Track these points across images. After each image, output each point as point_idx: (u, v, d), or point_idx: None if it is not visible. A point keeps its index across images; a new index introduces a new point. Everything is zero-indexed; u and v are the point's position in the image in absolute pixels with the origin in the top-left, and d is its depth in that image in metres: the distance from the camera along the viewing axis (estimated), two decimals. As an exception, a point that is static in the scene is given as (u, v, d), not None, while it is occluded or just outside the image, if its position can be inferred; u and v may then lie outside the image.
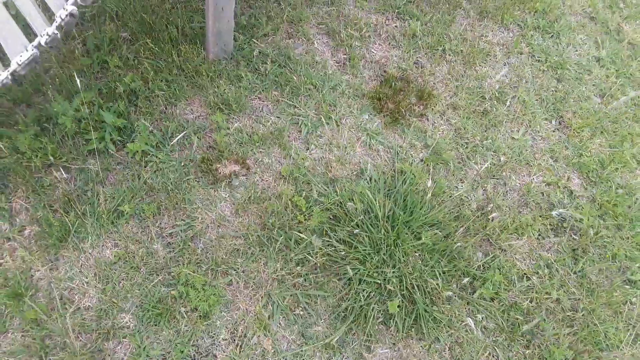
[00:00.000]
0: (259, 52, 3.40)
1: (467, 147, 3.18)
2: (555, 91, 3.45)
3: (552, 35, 3.68)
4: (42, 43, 2.53)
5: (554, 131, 3.30)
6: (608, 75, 3.55)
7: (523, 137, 3.25)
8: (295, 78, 3.33)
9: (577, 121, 3.31)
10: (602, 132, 3.30)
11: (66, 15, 2.52)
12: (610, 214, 2.97)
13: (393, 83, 3.37)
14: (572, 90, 3.46)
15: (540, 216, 2.96)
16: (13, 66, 2.52)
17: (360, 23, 3.61)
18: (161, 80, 3.17)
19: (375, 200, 2.80)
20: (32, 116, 3.02)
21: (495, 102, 3.37)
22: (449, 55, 3.55)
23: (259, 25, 3.50)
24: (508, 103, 3.36)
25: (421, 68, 3.49)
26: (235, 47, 3.38)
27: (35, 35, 2.56)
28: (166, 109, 3.14)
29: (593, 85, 3.50)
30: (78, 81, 2.80)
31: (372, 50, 3.55)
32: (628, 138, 3.28)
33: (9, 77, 2.54)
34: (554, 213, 2.92)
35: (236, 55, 3.37)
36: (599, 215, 2.98)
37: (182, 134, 2.99)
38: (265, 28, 3.50)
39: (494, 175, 3.09)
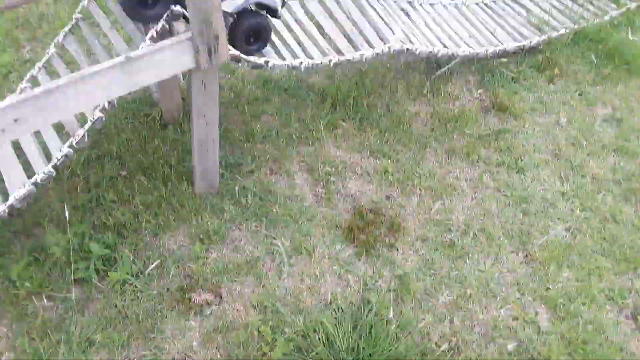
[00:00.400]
0: (243, 187, 3.78)
1: (434, 278, 3.33)
2: (521, 224, 3.65)
3: (517, 171, 3.98)
4: (39, 180, 2.94)
5: (520, 264, 3.44)
6: (573, 208, 3.76)
7: (490, 269, 3.39)
8: (274, 210, 3.65)
9: (543, 254, 3.46)
10: (568, 265, 3.42)
11: (62, 156, 2.96)
12: (580, 352, 2.97)
13: (365, 215, 3.64)
14: (538, 223, 3.65)
15: (506, 352, 2.98)
16: (10, 200, 2.91)
17: (337, 160, 4.01)
18: (149, 214, 3.52)
19: (339, 332, 2.90)
20: (27, 246, 3.35)
21: (462, 234, 3.57)
22: (419, 189, 3.85)
23: (245, 163, 3.92)
24: (473, 235, 3.56)
25: (392, 201, 3.78)
26: (221, 182, 3.77)
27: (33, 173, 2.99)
28: (151, 240, 3.45)
29: (558, 218, 3.70)
30: (67, 214, 3.15)
31: (348, 185, 3.90)
32: (595, 272, 3.38)
33: (6, 210, 2.92)
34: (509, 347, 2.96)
35: (221, 190, 3.74)
36: (567, 353, 2.98)
37: (155, 264, 3.25)
38: (249, 165, 3.92)
39: (460, 308, 3.18)
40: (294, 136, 4.13)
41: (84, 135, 3.00)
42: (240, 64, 3.21)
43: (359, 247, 3.49)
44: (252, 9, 3.15)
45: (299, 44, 3.72)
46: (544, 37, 4.89)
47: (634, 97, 4.60)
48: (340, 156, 4.05)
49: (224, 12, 2.97)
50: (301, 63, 3.50)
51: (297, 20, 3.90)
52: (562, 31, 4.97)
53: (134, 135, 3.96)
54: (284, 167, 3.95)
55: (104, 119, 2.99)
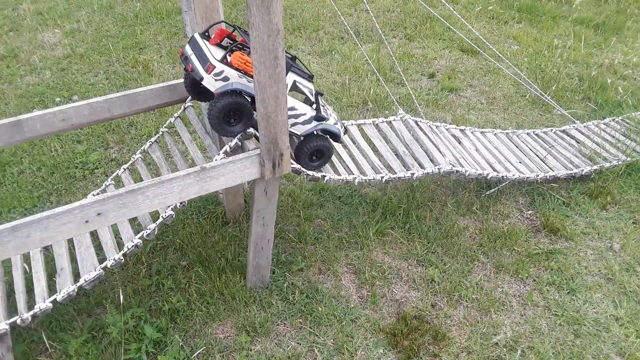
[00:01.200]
0: (291, 284, 4.06)
1: (478, 394, 3.32)
2: (573, 346, 3.63)
3: (568, 292, 4.03)
4: (109, 266, 3.36)
5: (571, 387, 3.38)
6: (627, 334, 3.70)
7: (538, 389, 3.35)
8: (319, 308, 3.86)
9: (597, 379, 3.39)
10: (624, 393, 3.32)
11: (132, 246, 3.39)
12: None
13: (409, 321, 3.77)
14: (590, 346, 3.62)
15: None
16: (80, 282, 3.31)
17: (384, 266, 4.25)
18: (202, 303, 3.84)
19: None
20: (88, 325, 3.71)
21: (509, 350, 3.59)
22: (465, 301, 3.97)
23: (295, 261, 4.24)
24: (522, 352, 3.56)
25: (438, 310, 3.90)
26: (271, 278, 4.07)
27: (104, 259, 3.41)
28: (200, 327, 3.72)
29: (612, 343, 3.65)
30: (122, 297, 3.50)
31: (393, 290, 4.08)
32: (654, 403, 3.25)
33: (75, 290, 3.31)
34: None
35: (271, 285, 4.03)
36: None
37: (200, 350, 3.48)
38: (300, 264, 4.23)
39: None
40: (343, 240, 4.47)
41: (154, 229, 3.44)
42: (300, 175, 3.68)
43: (401, 353, 3.57)
44: (317, 133, 3.63)
45: (354, 160, 4.19)
46: (595, 167, 5.15)
47: (693, 229, 4.66)
48: (387, 262, 4.29)
49: (293, 133, 3.53)
50: (355, 178, 3.93)
51: (353, 140, 4.44)
52: (615, 162, 5.24)
53: (197, 229, 4.44)
54: (332, 269, 4.23)
55: (173, 216, 3.42)
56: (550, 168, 5.02)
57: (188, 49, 3.37)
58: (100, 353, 3.54)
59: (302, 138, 3.56)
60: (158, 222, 3.42)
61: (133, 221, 3.76)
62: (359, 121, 4.64)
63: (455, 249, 4.40)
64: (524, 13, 9.21)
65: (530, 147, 5.32)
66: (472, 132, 5.18)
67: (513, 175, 4.67)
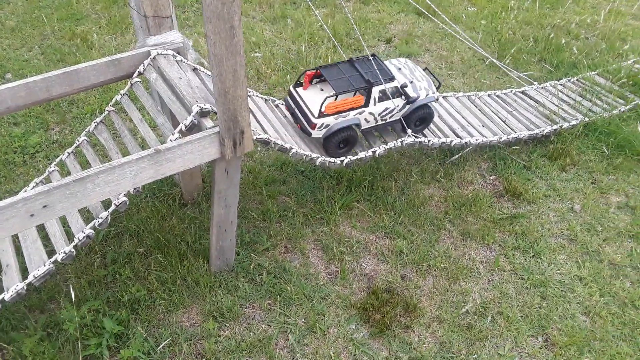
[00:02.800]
0: (258, 265, 3.98)
1: (452, 362, 3.40)
2: (540, 308, 3.76)
3: (533, 255, 4.16)
4: (59, 260, 3.17)
5: (540, 348, 3.50)
6: (591, 293, 3.87)
7: (509, 353, 3.45)
8: (288, 288, 3.81)
9: (563, 339, 3.53)
10: (589, 351, 3.47)
11: (84, 237, 3.21)
12: None
13: (380, 295, 3.79)
14: (557, 307, 3.76)
15: None
16: (29, 279, 3.12)
17: (352, 240, 4.24)
18: (164, 291, 3.71)
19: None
20: (41, 322, 3.52)
21: (479, 316, 3.68)
22: (434, 270, 4.02)
23: (260, 241, 4.16)
24: (491, 318, 3.66)
25: (407, 281, 3.94)
26: (236, 260, 3.98)
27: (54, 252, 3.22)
28: (164, 316, 3.60)
29: (577, 303, 3.80)
30: (72, 294, 3.33)
31: (362, 264, 4.08)
32: (617, 358, 3.42)
33: (25, 287, 3.11)
34: None
35: (237, 268, 3.94)
36: None
37: (166, 341, 3.38)
38: (265, 244, 4.15)
39: (480, 393, 3.21)
40: (309, 216, 4.41)
41: (106, 217, 3.26)
42: (268, 146, 3.59)
43: (374, 327, 3.60)
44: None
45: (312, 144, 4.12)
46: (555, 126, 5.28)
47: (647, 186, 4.88)
48: (355, 236, 4.28)
49: (395, 121, 4.23)
50: (318, 158, 3.86)
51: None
52: (573, 123, 5.38)
53: (153, 213, 4.26)
54: (299, 246, 4.17)
55: (127, 202, 3.26)
56: (512, 130, 5.09)
57: (291, 103, 4.08)
58: (57, 351, 3.38)
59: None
60: (110, 209, 3.24)
61: (83, 209, 3.55)
62: None
63: (421, 218, 4.43)
64: (478, -26, 9.21)
65: (492, 109, 5.37)
66: (434, 99, 5.17)
67: (476, 140, 4.70)
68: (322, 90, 4.08)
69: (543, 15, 7.94)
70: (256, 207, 4.45)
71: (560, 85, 6.13)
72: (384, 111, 4.09)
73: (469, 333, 3.58)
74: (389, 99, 4.05)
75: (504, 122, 5.16)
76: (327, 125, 3.89)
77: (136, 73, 3.73)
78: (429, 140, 4.36)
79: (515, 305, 3.78)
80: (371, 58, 4.10)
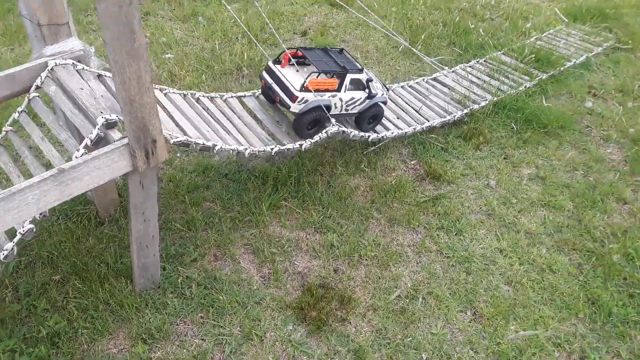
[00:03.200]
0: (186, 277, 3.87)
1: (389, 348, 3.48)
2: (466, 283, 3.93)
3: (456, 233, 4.34)
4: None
5: (470, 322, 3.67)
6: (512, 263, 4.10)
7: (442, 331, 3.59)
8: (221, 297, 3.74)
9: (490, 310, 3.72)
10: (514, 318, 3.68)
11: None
12: (537, 403, 3.15)
13: (315, 291, 3.80)
14: (481, 280, 3.95)
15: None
16: None
17: (282, 240, 4.22)
18: (85, 319, 3.51)
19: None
20: (-49, 366, 3.23)
21: (411, 299, 3.80)
22: (365, 260, 4.09)
23: (187, 252, 4.04)
24: (422, 299, 3.79)
25: (341, 274, 3.99)
26: (162, 276, 3.84)
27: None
28: (89, 346, 3.41)
29: (500, 274, 4.02)
30: None
31: (295, 262, 4.08)
32: (540, 322, 3.66)
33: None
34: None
35: (163, 284, 3.81)
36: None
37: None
38: (192, 254, 4.04)
39: (417, 375, 3.32)
40: (236, 220, 4.34)
41: (12, 249, 3.02)
42: (189, 148, 3.49)
43: (311, 325, 3.61)
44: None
45: (241, 133, 4.06)
46: (466, 110, 5.52)
47: (554, 156, 5.20)
48: (285, 235, 4.26)
49: (353, 113, 4.51)
50: (246, 149, 3.81)
51: (234, 112, 4.27)
52: (483, 104, 5.65)
53: (67, 236, 4.01)
54: (228, 252, 4.10)
55: (34, 229, 3.02)
56: (426, 119, 5.27)
57: (268, 78, 4.31)
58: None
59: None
60: (16, 239, 3.01)
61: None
62: (239, 94, 4.46)
63: (349, 210, 4.49)
64: (384, -39, 9.40)
65: (406, 100, 5.53)
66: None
67: (392, 133, 4.84)
68: (297, 71, 4.33)
69: (450, 0, 8.26)
70: (180, 217, 4.32)
71: (470, 67, 6.41)
72: (350, 100, 4.37)
73: (402, 317, 3.68)
74: (356, 89, 4.40)
75: (417, 112, 5.33)
76: (306, 101, 4.11)
77: (33, 87, 3.47)
78: (350, 131, 4.43)
79: (444, 284, 3.93)
80: (341, 51, 4.56)
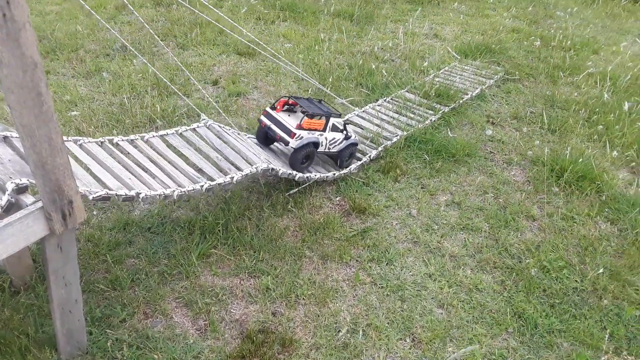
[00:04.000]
0: (116, 340, 3.65)
1: (336, 385, 3.49)
2: (402, 311, 4.08)
3: (386, 263, 4.51)
4: None
5: (410, 348, 3.79)
6: (441, 287, 4.32)
7: (385, 361, 3.68)
8: (155, 356, 3.56)
9: (427, 334, 3.87)
10: (450, 339, 3.87)
11: None
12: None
13: (254, 337, 3.74)
14: (416, 306, 4.12)
15: None
16: None
17: (216, 288, 4.13)
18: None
19: None
20: None
21: (352, 333, 3.86)
22: (303, 299, 4.11)
23: (114, 313, 3.83)
24: (362, 332, 3.87)
25: (279, 317, 3.97)
26: (89, 341, 3.60)
27: None
28: None
29: (432, 298, 4.21)
30: None
31: (231, 310, 4.00)
32: (475, 340, 3.87)
33: None
34: None
35: (92, 349, 3.56)
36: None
37: None
38: (120, 315, 3.83)
39: (367, 408, 3.35)
40: (165, 274, 4.20)
41: None
42: (110, 201, 3.38)
43: (254, 373, 3.54)
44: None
45: (167, 174, 4.00)
46: (380, 148, 5.88)
47: (466, 182, 5.63)
48: (218, 283, 4.18)
49: (333, 152, 5.35)
50: (174, 192, 3.75)
51: (159, 153, 4.22)
52: (395, 139, 6.03)
53: (-24, 310, 3.66)
54: (159, 308, 3.93)
55: None
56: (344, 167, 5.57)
57: (267, 121, 5.04)
58: None
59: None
60: None
61: None
62: (161, 132, 4.42)
63: (281, 251, 4.52)
64: (286, 11, 9.87)
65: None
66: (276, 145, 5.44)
67: (316, 175, 5.04)
68: (289, 115, 5.10)
69: (352, 44, 8.80)
70: (103, 277, 4.10)
71: (378, 106, 6.83)
72: (332, 140, 5.21)
73: (346, 352, 3.72)
74: (336, 131, 5.28)
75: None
76: (301, 137, 4.89)
77: None
78: (279, 169, 4.54)
79: (381, 314, 4.04)
80: (320, 101, 5.38)
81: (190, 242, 4.45)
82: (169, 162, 4.18)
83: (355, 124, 6.31)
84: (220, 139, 4.68)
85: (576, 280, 4.40)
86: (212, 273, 4.28)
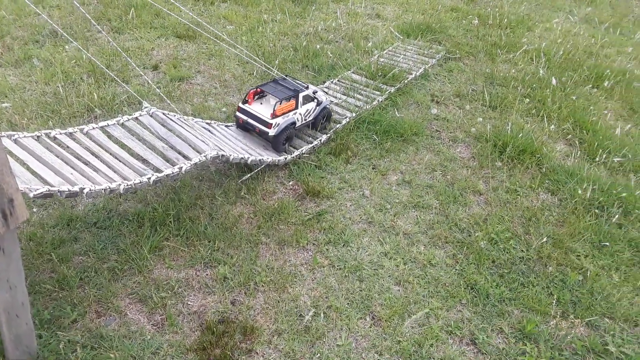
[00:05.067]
0: (68, 342, 3.51)
1: (300, 369, 3.52)
2: (361, 290, 4.15)
3: (343, 245, 4.56)
4: None
5: (370, 327, 3.87)
6: (397, 264, 4.43)
7: (346, 341, 3.73)
8: (112, 356, 3.45)
9: (386, 312, 3.97)
10: (409, 315, 3.98)
11: None
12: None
13: (215, 328, 3.70)
14: (374, 285, 4.20)
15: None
16: None
17: (171, 281, 4.04)
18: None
19: None
20: None
21: (313, 316, 3.89)
22: (262, 286, 4.09)
23: (64, 314, 3.67)
24: (324, 314, 3.91)
25: (239, 305, 3.93)
26: (40, 344, 3.43)
27: None
28: None
29: (389, 276, 4.31)
30: None
31: (189, 302, 3.93)
32: (431, 314, 4.00)
33: None
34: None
35: (43, 353, 3.40)
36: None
37: None
38: (71, 315, 3.67)
39: (331, 389, 3.40)
40: (116, 270, 4.05)
41: None
42: (52, 198, 3.21)
43: (217, 363, 3.50)
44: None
45: (111, 168, 3.83)
46: (330, 132, 5.88)
47: (415, 161, 5.75)
48: (174, 276, 4.09)
49: (310, 121, 5.72)
50: (119, 185, 3.60)
51: (101, 146, 4.03)
52: (344, 122, 6.06)
53: None
54: (112, 306, 3.80)
55: None
56: (295, 149, 5.53)
57: (243, 116, 5.36)
58: None
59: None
60: None
61: None
62: (102, 123, 4.22)
63: (237, 239, 4.46)
64: (227, -9, 9.60)
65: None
66: (218, 125, 5.29)
67: (268, 158, 4.98)
68: (261, 104, 5.44)
69: (295, 25, 8.71)
70: (49, 277, 3.91)
71: (326, 88, 6.82)
72: (306, 112, 5.58)
73: (308, 335, 3.74)
74: (308, 102, 5.59)
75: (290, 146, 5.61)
76: (278, 124, 5.22)
77: None
78: (230, 155, 4.46)
79: (341, 295, 4.09)
80: (286, 77, 5.76)
81: (140, 236, 4.31)
82: (111, 154, 4.01)
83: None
84: (165, 127, 4.52)
85: (522, 250, 4.62)
86: (166, 266, 4.17)
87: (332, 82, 6.96)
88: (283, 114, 5.27)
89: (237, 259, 4.29)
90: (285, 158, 5.28)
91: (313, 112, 5.69)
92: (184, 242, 4.36)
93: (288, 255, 4.41)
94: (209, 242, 4.40)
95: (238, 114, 5.40)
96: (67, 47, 7.36)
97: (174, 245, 4.31)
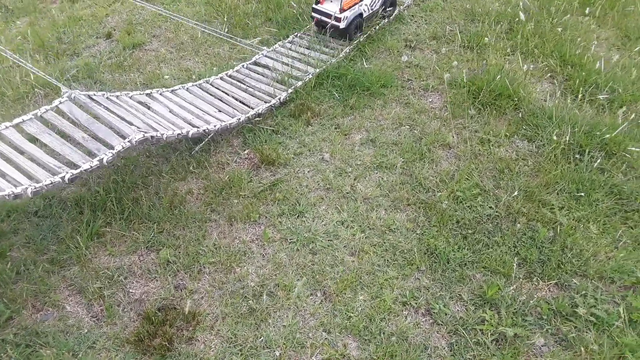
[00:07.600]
0: (2, 341, 3.42)
1: (240, 355, 3.38)
2: (313, 265, 3.95)
3: (297, 216, 4.33)
4: None
5: (320, 304, 3.69)
6: (354, 233, 4.20)
7: (293, 321, 3.57)
8: (47, 352, 3.35)
9: (338, 286, 3.77)
10: (362, 287, 3.78)
11: None
12: (391, 368, 3.27)
13: (153, 317, 3.57)
14: (327, 258, 3.99)
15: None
16: None
17: (111, 270, 3.90)
18: None
19: None
20: None
21: (258, 297, 3.72)
22: (207, 268, 3.93)
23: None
24: (270, 293, 3.74)
25: (182, 290, 3.79)
26: (-30, 347, 3.36)
27: None
28: None
29: (344, 247, 4.09)
30: None
31: (130, 290, 3.80)
32: (386, 285, 3.79)
33: None
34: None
35: (-26, 354, 3.33)
36: (380, 373, 3.25)
37: None
38: (5, 313, 3.57)
39: (273, 374, 3.27)
40: (54, 261, 3.92)
41: None
42: None
43: (154, 354, 3.38)
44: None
45: (20, 170, 3.62)
46: (290, 90, 5.53)
47: (381, 116, 5.41)
48: (115, 263, 3.95)
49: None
50: (26, 189, 3.40)
51: (14, 147, 3.82)
52: (306, 79, 5.69)
53: None
54: (49, 300, 3.69)
55: None
56: (250, 107, 5.18)
57: (317, 15, 6.22)
58: None
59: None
60: None
61: None
62: (16, 121, 3.98)
63: (183, 218, 4.27)
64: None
65: (226, 91, 5.41)
66: (160, 94, 5.00)
67: (215, 126, 4.69)
68: (332, 1, 6.24)
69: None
70: (-17, 275, 3.80)
71: (289, 43, 6.41)
72: (372, 2, 6.38)
73: (252, 318, 3.59)
74: None
75: (240, 102, 5.24)
76: (347, 17, 6.08)
77: None
78: (162, 134, 4.19)
79: (291, 272, 3.90)
80: None
81: (80, 222, 4.15)
82: (26, 157, 3.78)
83: (264, 66, 5.92)
84: (87, 113, 4.24)
85: (490, 207, 4.33)
86: (108, 253, 4.02)
87: (295, 35, 6.54)
88: (350, 7, 6.08)
89: (182, 240, 4.11)
90: (239, 119, 4.94)
91: (378, 1, 6.47)
92: (126, 226, 4.19)
93: (238, 231, 4.21)
94: (153, 223, 4.22)
95: (313, 13, 6.25)
96: (18, 22, 7.05)
97: (116, 230, 4.15)
